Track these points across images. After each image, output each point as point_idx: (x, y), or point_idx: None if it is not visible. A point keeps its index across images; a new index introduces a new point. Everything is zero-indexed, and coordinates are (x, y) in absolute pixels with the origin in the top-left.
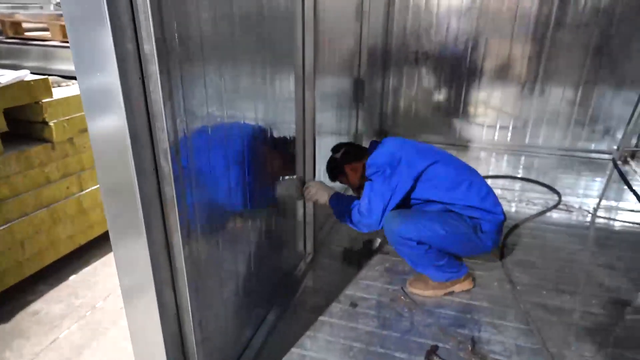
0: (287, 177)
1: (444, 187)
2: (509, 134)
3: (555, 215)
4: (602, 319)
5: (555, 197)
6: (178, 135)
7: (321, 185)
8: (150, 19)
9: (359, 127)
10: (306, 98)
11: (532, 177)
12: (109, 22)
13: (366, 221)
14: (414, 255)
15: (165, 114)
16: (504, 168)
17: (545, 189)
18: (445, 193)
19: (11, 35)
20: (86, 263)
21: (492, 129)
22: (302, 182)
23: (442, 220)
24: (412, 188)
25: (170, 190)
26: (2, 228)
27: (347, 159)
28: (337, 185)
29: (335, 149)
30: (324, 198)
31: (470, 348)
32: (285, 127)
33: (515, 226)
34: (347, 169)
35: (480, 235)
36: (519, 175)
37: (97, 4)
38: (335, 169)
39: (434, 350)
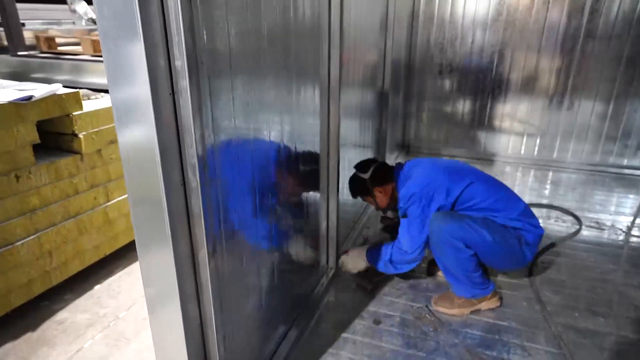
0: (311, 192)
1: (483, 207)
2: (536, 148)
3: (586, 233)
4: (638, 343)
5: (585, 217)
6: (206, 150)
7: (352, 254)
8: (183, 36)
9: (382, 139)
10: (331, 111)
11: (560, 192)
12: (142, 38)
13: (410, 257)
14: (455, 258)
15: (194, 129)
16: (530, 183)
17: (575, 204)
18: (486, 212)
19: (45, 50)
20: (110, 273)
21: (518, 142)
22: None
23: (489, 227)
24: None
25: (197, 205)
26: (31, 238)
27: (376, 181)
28: (359, 199)
29: (361, 167)
30: (362, 264)
31: None
32: (310, 140)
33: (552, 244)
34: (376, 191)
35: (524, 247)
36: (546, 192)
37: (131, 21)
38: (362, 189)
39: None
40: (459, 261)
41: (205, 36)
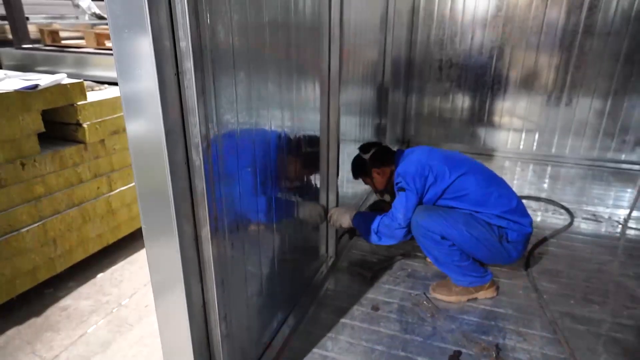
0: (311, 182)
1: (472, 200)
2: (535, 144)
3: (583, 225)
4: (633, 330)
5: (583, 209)
6: (209, 131)
7: (341, 209)
8: (187, 18)
9: (382, 135)
10: (331, 106)
11: (559, 186)
12: (149, 20)
13: (396, 232)
14: (438, 250)
15: (198, 109)
16: (529, 177)
17: (573, 198)
18: (473, 205)
19: (49, 43)
20: (113, 262)
21: (517, 138)
22: (324, 210)
23: (468, 223)
24: (440, 197)
25: (200, 184)
26: (36, 225)
27: (375, 162)
28: (359, 191)
29: (364, 148)
30: (346, 221)
31: (494, 355)
32: (310, 132)
33: (544, 239)
34: (374, 172)
35: (506, 244)
36: (545, 185)
37: (138, 4)
38: (361, 169)
39: (457, 356)
40: (443, 252)
41: (209, 21)
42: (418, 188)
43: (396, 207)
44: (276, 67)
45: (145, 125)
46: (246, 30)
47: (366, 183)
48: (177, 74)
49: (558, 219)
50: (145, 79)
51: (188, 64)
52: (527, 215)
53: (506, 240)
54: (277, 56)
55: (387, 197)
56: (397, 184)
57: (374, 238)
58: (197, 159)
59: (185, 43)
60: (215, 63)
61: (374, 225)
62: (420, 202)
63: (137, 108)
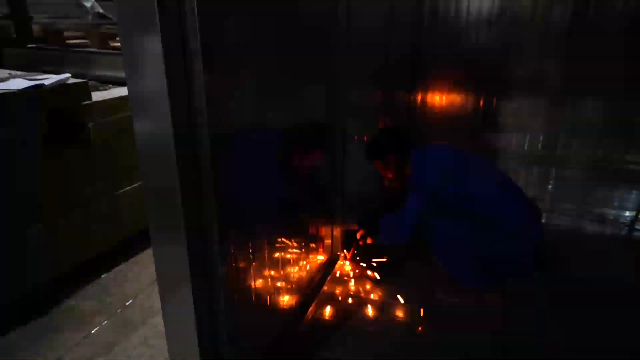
0: (317, 182)
1: (487, 205)
2: (540, 144)
3: (589, 227)
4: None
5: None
6: (218, 132)
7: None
8: (197, 17)
9: None
10: (337, 106)
11: (564, 187)
12: (158, 19)
13: (405, 231)
14: (448, 251)
15: (206, 110)
16: (534, 178)
17: (578, 199)
18: (487, 210)
19: (53, 42)
20: (118, 262)
21: (521, 138)
22: (331, 209)
23: (481, 229)
24: (454, 199)
25: (208, 184)
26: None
27: (395, 148)
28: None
29: (385, 131)
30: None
31: None
32: (317, 132)
33: None
34: (391, 157)
35: (515, 251)
36: (549, 187)
37: (148, 2)
38: (377, 151)
39: None
40: (450, 249)
41: (218, 23)
42: (433, 189)
43: (408, 207)
44: (285, 67)
45: (154, 126)
46: (254, 33)
47: (377, 167)
48: (186, 74)
49: (563, 221)
50: (154, 79)
51: (197, 64)
52: (540, 225)
53: (515, 247)
54: (286, 56)
55: (393, 183)
56: (412, 183)
57: (382, 237)
58: (205, 159)
59: (194, 43)
60: (225, 63)
61: (383, 224)
62: (433, 201)
63: (146, 108)
